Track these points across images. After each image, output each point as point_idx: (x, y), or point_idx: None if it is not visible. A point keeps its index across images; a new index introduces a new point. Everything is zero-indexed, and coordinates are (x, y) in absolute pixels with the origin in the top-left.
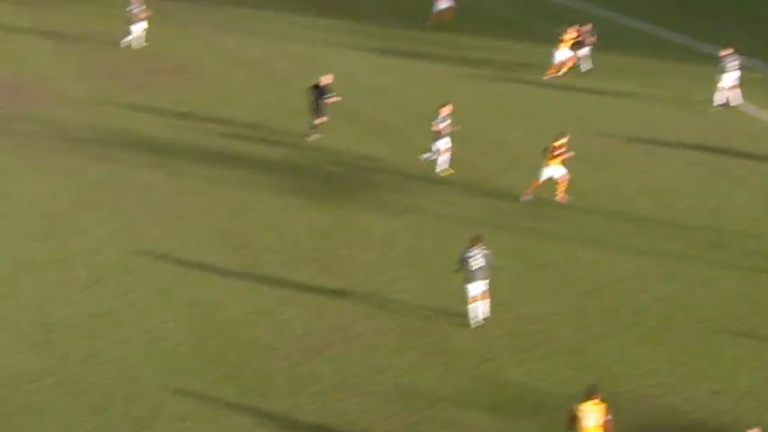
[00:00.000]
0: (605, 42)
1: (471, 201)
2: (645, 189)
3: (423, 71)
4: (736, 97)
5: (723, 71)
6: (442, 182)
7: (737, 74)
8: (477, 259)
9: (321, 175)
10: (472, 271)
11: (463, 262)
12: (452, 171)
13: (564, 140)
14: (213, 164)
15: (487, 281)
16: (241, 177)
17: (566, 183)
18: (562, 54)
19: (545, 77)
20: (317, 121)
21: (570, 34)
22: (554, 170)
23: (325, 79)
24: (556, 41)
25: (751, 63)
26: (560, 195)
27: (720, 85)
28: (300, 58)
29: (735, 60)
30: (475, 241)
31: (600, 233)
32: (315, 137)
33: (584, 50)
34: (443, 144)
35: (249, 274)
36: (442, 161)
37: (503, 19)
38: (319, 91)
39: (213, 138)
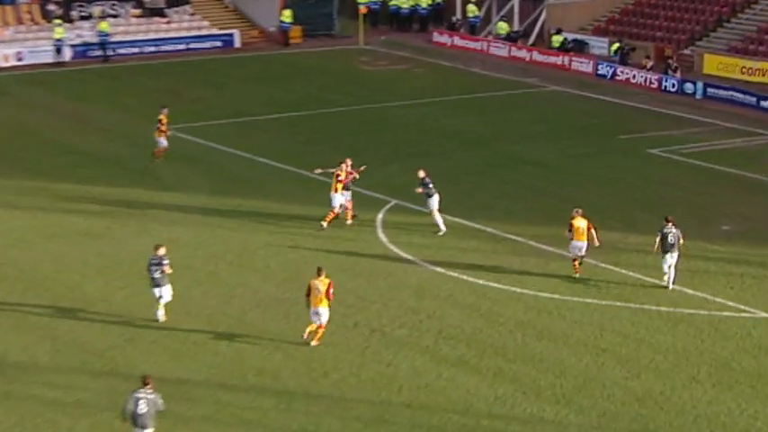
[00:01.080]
0: (244, 187)
1: (86, 382)
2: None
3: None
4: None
5: (429, 195)
6: (50, 363)
7: (438, 197)
8: (142, 405)
9: None
10: (138, 416)
11: (131, 404)
12: None
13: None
14: None
15: (153, 429)
16: None
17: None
18: (340, 198)
19: (324, 224)
20: None
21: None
22: (320, 311)
23: None
24: (335, 184)
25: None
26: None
27: (433, 210)
28: None
29: (431, 183)
30: (144, 379)
31: (242, 413)
32: None
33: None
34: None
35: None
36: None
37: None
38: None
39: None
